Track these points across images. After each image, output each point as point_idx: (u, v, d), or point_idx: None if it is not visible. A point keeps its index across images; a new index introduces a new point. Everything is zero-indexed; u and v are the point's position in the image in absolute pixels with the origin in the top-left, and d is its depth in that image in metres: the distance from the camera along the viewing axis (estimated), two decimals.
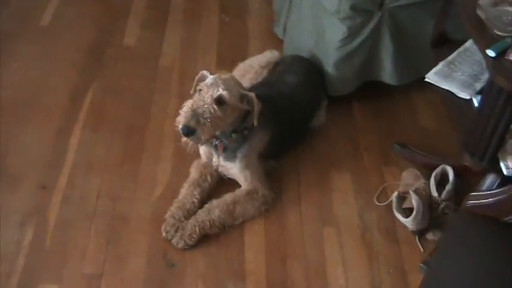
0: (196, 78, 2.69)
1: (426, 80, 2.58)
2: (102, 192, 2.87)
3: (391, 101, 3.38)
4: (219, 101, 2.51)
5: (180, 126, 2.46)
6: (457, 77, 2.56)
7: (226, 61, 3.63)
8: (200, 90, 2.56)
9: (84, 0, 4.10)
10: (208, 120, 2.46)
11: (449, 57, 2.64)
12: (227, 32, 3.88)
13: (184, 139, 2.52)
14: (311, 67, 3.15)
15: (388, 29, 3.01)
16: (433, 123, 3.27)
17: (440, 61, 2.64)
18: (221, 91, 2.50)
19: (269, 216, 2.80)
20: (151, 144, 3.11)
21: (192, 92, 2.68)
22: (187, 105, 2.51)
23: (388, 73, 3.17)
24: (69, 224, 2.74)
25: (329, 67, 3.11)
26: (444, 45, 2.74)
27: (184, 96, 3.28)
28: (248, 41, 3.81)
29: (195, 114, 2.45)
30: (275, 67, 3.17)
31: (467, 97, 2.46)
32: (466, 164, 2.35)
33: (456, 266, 1.90)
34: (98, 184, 2.91)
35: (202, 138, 2.48)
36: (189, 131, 2.45)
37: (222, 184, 2.90)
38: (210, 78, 2.60)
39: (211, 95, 2.50)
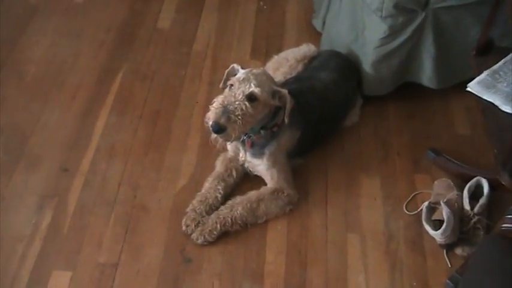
0: (226, 71, 2.61)
1: (468, 89, 2.46)
2: (124, 180, 2.83)
3: (427, 104, 3.26)
4: (251, 97, 2.42)
5: (210, 123, 2.39)
6: (501, 88, 2.43)
7: (260, 50, 3.55)
8: (231, 85, 2.48)
9: None
10: (239, 117, 2.38)
11: (495, 67, 2.51)
12: (264, 20, 3.78)
13: (213, 136, 2.45)
14: (347, 64, 3.05)
15: (432, 30, 2.89)
16: (470, 131, 3.14)
17: (484, 70, 2.51)
18: (253, 87, 2.42)
19: (293, 217, 2.73)
20: (177, 133, 3.05)
21: (221, 85, 2.61)
22: (217, 101, 2.43)
23: (427, 76, 3.06)
24: (88, 210, 2.71)
25: (366, 66, 3.01)
26: (489, 53, 2.61)
27: (215, 84, 3.26)
28: (285, 31, 3.71)
29: (225, 111, 2.38)
30: (311, 61, 3.08)
31: (511, 111, 2.34)
32: (503, 183, 2.24)
33: None
34: (120, 171, 2.86)
35: (233, 135, 2.41)
36: (219, 129, 2.37)
37: (247, 180, 2.83)
38: (241, 73, 2.52)
39: (243, 91, 2.42)
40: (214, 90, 3.20)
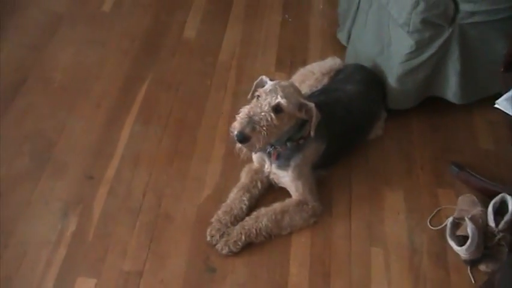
0: (255, 83, 2.63)
1: (496, 106, 2.46)
2: (149, 188, 2.84)
3: (451, 118, 3.26)
4: (277, 108, 2.44)
5: (235, 133, 2.40)
6: None
7: (285, 62, 3.57)
8: (258, 96, 2.49)
9: None
10: (264, 128, 2.39)
11: None
12: (289, 33, 3.81)
13: (238, 146, 2.46)
14: (373, 78, 3.06)
15: (458, 45, 2.89)
16: (494, 146, 3.14)
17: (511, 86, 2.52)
18: (279, 99, 2.43)
19: (317, 229, 2.73)
20: (202, 144, 3.06)
21: (249, 97, 2.62)
22: (243, 111, 2.44)
23: (452, 91, 3.06)
24: (113, 218, 2.72)
25: (392, 80, 3.02)
26: None
27: (240, 95, 3.27)
28: (309, 43, 3.73)
29: (251, 121, 2.39)
30: (336, 75, 3.09)
31: None
32: None
33: None
34: (145, 179, 2.87)
35: (257, 146, 2.42)
36: (243, 138, 2.38)
37: (272, 192, 2.83)
38: (269, 85, 2.53)
39: (269, 102, 2.43)
40: (239, 101, 3.21)
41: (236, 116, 2.47)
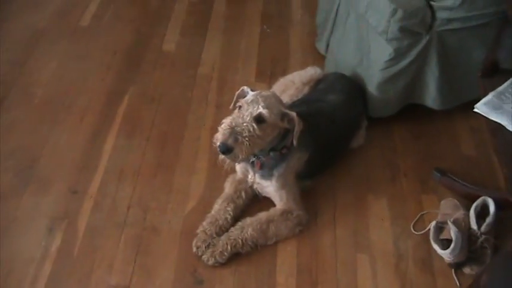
0: (237, 93, 2.64)
1: (475, 110, 2.49)
2: (134, 202, 2.84)
3: (432, 125, 3.29)
4: (259, 119, 2.45)
5: (218, 144, 2.41)
6: (508, 108, 2.46)
7: (265, 73, 3.59)
8: (240, 106, 2.50)
9: (124, 3, 4.10)
10: (247, 138, 2.40)
11: (500, 88, 2.55)
12: (268, 44, 3.83)
13: (221, 157, 2.46)
14: (353, 86, 3.08)
15: (436, 52, 2.92)
16: (475, 152, 3.17)
17: (490, 91, 2.55)
18: (261, 109, 2.44)
19: (303, 238, 2.74)
20: (186, 155, 3.07)
21: (231, 107, 2.63)
22: (226, 122, 2.45)
23: (431, 97, 3.09)
24: (98, 232, 2.72)
25: (372, 88, 3.05)
26: (495, 74, 2.65)
27: (222, 106, 3.28)
28: (289, 54, 3.75)
29: (233, 132, 2.40)
30: (317, 84, 3.10)
31: None
32: None
33: None
34: (129, 193, 2.87)
35: (240, 156, 2.42)
36: (226, 149, 2.39)
37: (256, 202, 2.84)
38: (250, 95, 2.54)
39: (251, 113, 2.44)
40: (221, 112, 3.23)
41: (218, 127, 2.48)
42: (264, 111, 2.44)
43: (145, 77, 3.51)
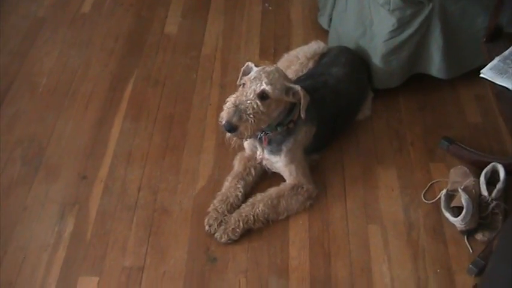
0: (242, 69, 2.63)
1: (481, 75, 2.49)
2: (144, 184, 2.85)
3: (437, 95, 3.28)
4: (262, 95, 2.44)
5: (223, 123, 2.42)
6: None
7: (269, 51, 3.59)
8: (243, 84, 2.50)
9: None
10: (251, 116, 2.40)
11: (505, 52, 2.54)
12: (270, 21, 3.82)
13: (228, 135, 2.47)
14: (357, 59, 3.08)
15: (439, 21, 2.91)
16: (481, 119, 3.16)
17: (495, 56, 2.54)
18: (264, 85, 2.44)
19: (313, 212, 2.74)
20: (193, 136, 3.07)
21: (238, 83, 2.62)
22: (230, 101, 2.45)
23: (436, 67, 3.08)
24: (110, 216, 2.73)
25: (376, 60, 3.04)
26: (499, 39, 2.64)
27: (226, 86, 3.29)
28: (291, 30, 3.74)
29: (237, 110, 2.40)
30: (321, 58, 3.10)
31: None
32: None
33: None
34: (139, 175, 2.88)
35: (246, 134, 2.43)
36: (231, 128, 2.40)
37: (266, 178, 2.85)
38: (253, 72, 2.54)
39: (254, 90, 2.44)
40: (225, 91, 3.23)
41: (223, 106, 2.48)
42: (267, 88, 2.44)
43: (149, 61, 3.51)
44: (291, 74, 3.01)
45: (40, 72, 3.43)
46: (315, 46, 3.14)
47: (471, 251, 2.60)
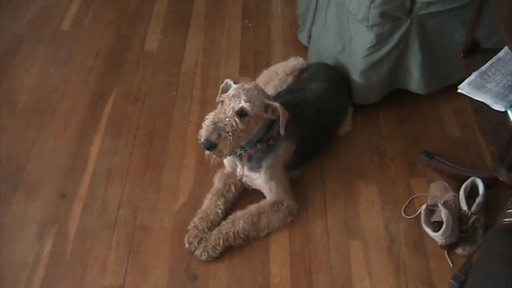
0: (221, 87, 2.63)
1: (459, 91, 2.50)
2: (124, 202, 2.83)
3: (417, 109, 3.30)
4: (241, 113, 2.44)
5: (202, 141, 2.41)
6: (491, 88, 2.47)
7: (249, 67, 3.59)
8: (222, 101, 2.49)
9: (104, 5, 4.07)
10: (230, 133, 2.39)
11: (483, 68, 2.55)
12: (250, 38, 3.82)
13: (207, 153, 2.46)
14: (337, 75, 3.08)
15: (417, 36, 2.93)
16: (461, 133, 3.18)
17: (472, 71, 2.55)
18: (243, 103, 2.43)
19: (294, 228, 2.74)
20: (173, 153, 3.06)
21: (217, 100, 2.62)
22: (209, 118, 2.45)
23: (415, 82, 3.10)
24: (89, 234, 2.71)
25: (355, 75, 3.05)
26: (476, 54, 2.65)
27: (206, 102, 3.29)
28: (271, 46, 3.75)
29: (216, 127, 2.39)
30: (300, 74, 3.10)
31: (502, 109, 2.37)
32: (501, 178, 2.27)
33: (494, 283, 1.83)
34: (119, 193, 2.87)
35: (225, 152, 2.42)
36: (210, 146, 2.39)
37: (246, 194, 2.84)
38: (232, 89, 2.53)
39: (233, 107, 2.43)
40: (206, 108, 3.23)
41: (202, 123, 2.47)
42: (246, 105, 2.43)
43: (128, 78, 3.49)
44: (270, 89, 3.01)
45: (20, 90, 3.40)
46: (294, 62, 3.15)
47: (451, 265, 2.61)
